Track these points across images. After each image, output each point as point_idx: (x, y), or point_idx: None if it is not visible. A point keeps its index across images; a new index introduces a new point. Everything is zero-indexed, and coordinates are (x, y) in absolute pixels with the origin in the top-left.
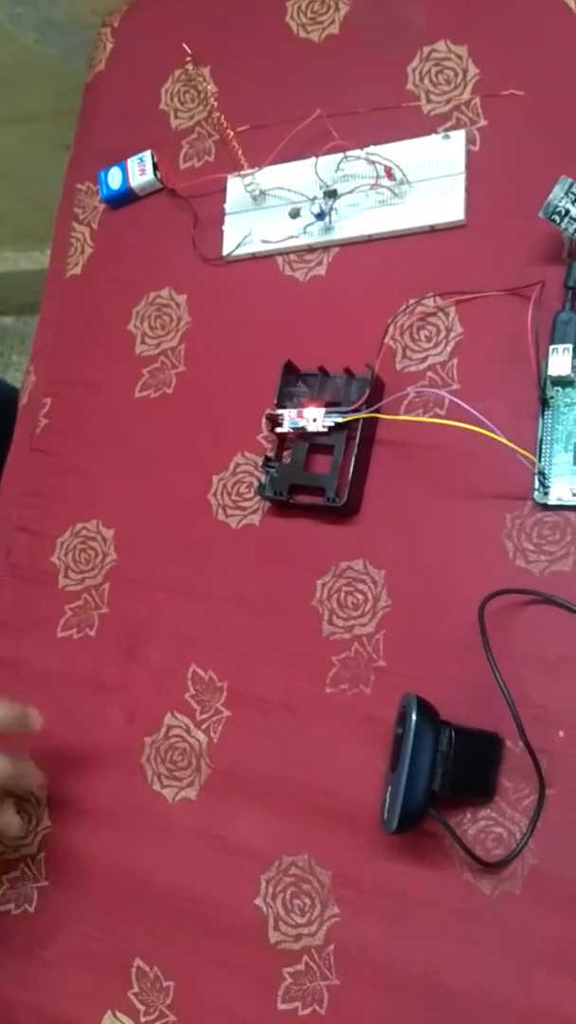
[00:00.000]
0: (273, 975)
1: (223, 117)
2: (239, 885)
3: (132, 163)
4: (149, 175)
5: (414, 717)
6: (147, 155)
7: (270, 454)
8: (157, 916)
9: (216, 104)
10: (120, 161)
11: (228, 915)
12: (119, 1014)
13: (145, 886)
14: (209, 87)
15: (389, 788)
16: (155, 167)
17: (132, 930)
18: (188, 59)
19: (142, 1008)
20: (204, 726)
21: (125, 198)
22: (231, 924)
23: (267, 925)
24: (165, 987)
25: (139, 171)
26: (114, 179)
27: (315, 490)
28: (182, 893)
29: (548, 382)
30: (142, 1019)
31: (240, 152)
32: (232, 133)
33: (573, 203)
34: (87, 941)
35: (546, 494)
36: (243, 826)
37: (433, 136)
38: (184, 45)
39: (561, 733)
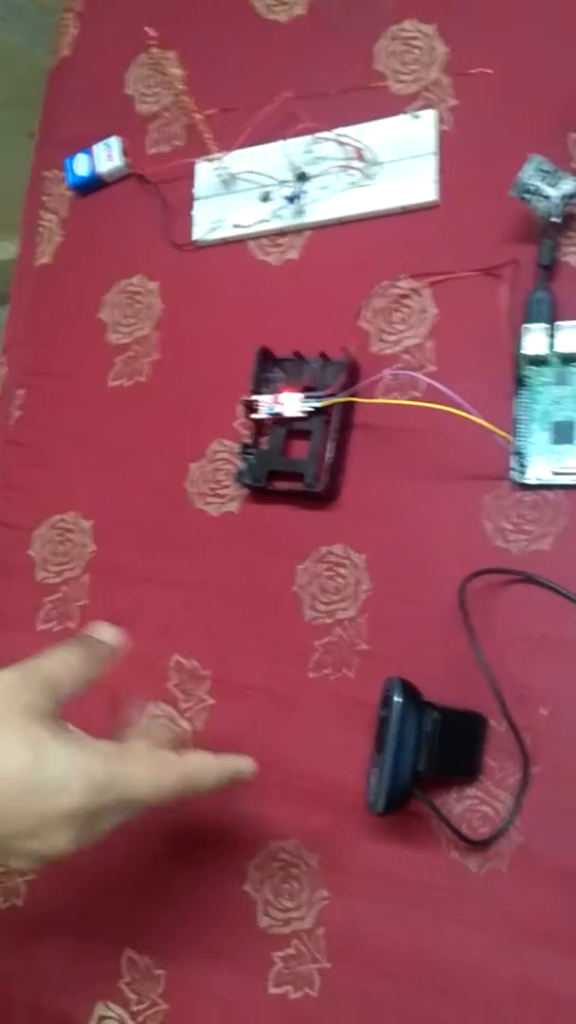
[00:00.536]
0: (263, 960)
1: (191, 101)
2: (228, 872)
3: (99, 149)
4: (117, 161)
5: (398, 699)
6: (114, 141)
7: (247, 441)
8: (147, 906)
9: (184, 88)
10: (87, 147)
11: (217, 902)
12: (111, 1004)
13: (133, 878)
14: (176, 71)
15: (375, 770)
16: (123, 152)
17: (122, 920)
18: (152, 43)
19: (134, 997)
20: (188, 715)
21: (93, 185)
22: (221, 911)
23: (256, 910)
24: (156, 976)
25: (106, 157)
26: (81, 166)
27: (294, 476)
28: (170, 884)
29: (524, 361)
30: (134, 1008)
31: (208, 136)
32: (200, 117)
33: (543, 181)
34: (78, 933)
35: (524, 473)
36: (230, 813)
37: (403, 116)
38: (148, 29)
39: (544, 711)
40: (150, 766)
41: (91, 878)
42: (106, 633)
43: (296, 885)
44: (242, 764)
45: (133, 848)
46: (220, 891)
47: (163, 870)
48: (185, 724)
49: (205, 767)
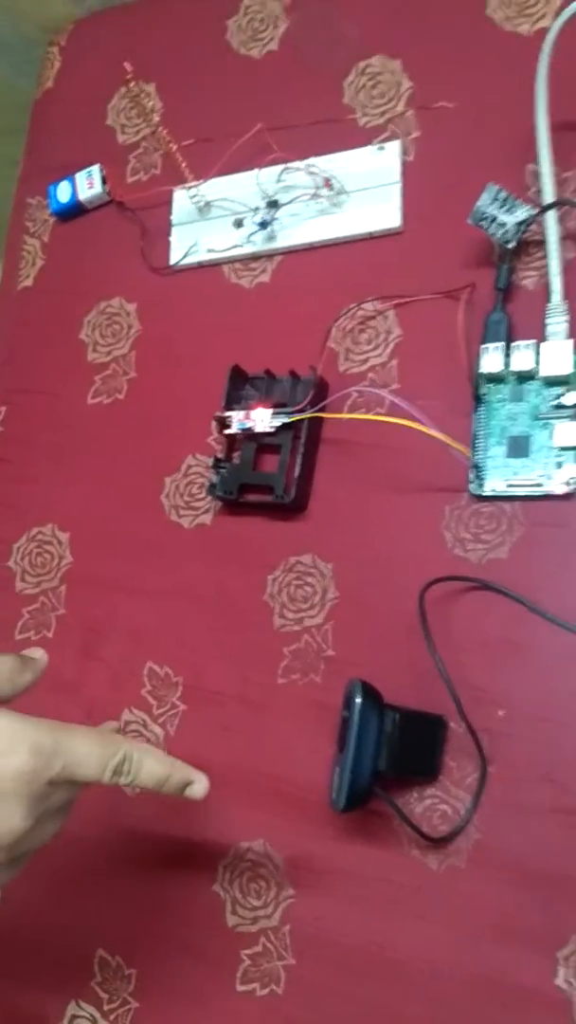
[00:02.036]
0: (232, 958)
1: (166, 132)
2: (197, 872)
3: (80, 177)
4: (97, 188)
5: (359, 700)
6: (95, 169)
7: (220, 455)
8: (119, 906)
9: (159, 120)
10: (69, 175)
11: (187, 902)
12: (83, 1003)
13: (105, 878)
14: (152, 104)
15: (337, 769)
16: (103, 180)
17: (94, 921)
18: (129, 77)
19: (105, 996)
20: (161, 720)
21: (74, 211)
22: (190, 911)
23: (224, 909)
24: (127, 975)
25: (87, 185)
26: (63, 193)
27: (264, 488)
28: (142, 882)
29: (481, 379)
30: (105, 1007)
31: (185, 165)
32: (176, 147)
33: (499, 209)
34: (50, 934)
35: (481, 486)
36: (200, 815)
37: (369, 147)
38: (125, 64)
39: (501, 712)
40: (96, 738)
41: (62, 880)
42: (36, 653)
43: (263, 884)
44: (194, 775)
45: (104, 849)
46: (190, 891)
47: (134, 870)
48: (158, 730)
49: (150, 752)
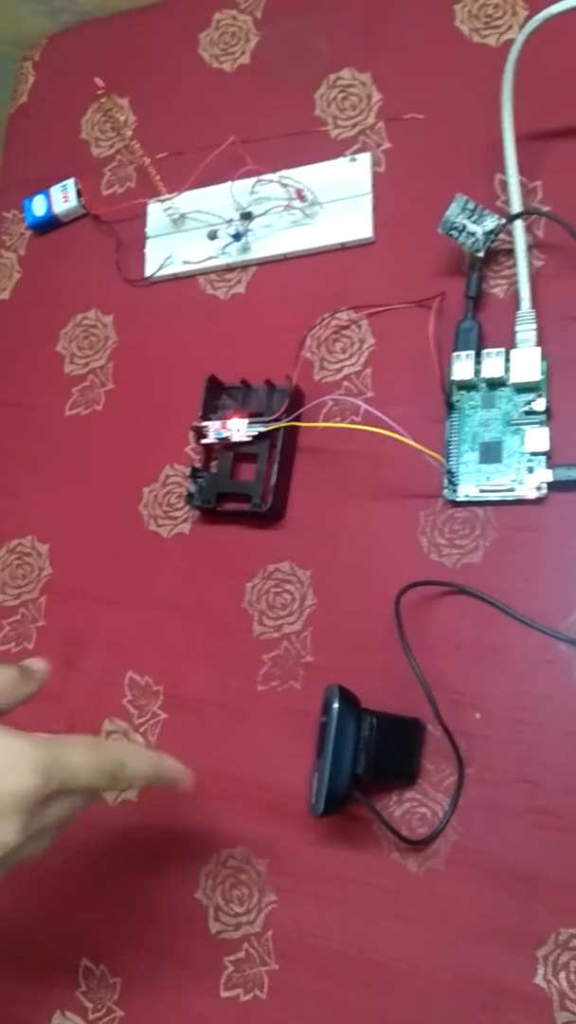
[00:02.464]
0: (215, 964)
1: (139, 146)
2: (180, 880)
3: (56, 191)
4: (73, 201)
5: (336, 705)
6: (70, 183)
7: (197, 465)
8: (102, 915)
9: (131, 134)
10: (44, 189)
11: (170, 910)
12: (68, 1013)
13: (89, 887)
14: (125, 118)
15: (315, 774)
16: (78, 194)
17: (78, 930)
18: (100, 92)
19: (90, 1006)
20: (142, 729)
21: (50, 224)
22: (174, 918)
23: (208, 916)
24: (112, 984)
25: (63, 198)
26: (39, 207)
27: (242, 497)
28: (125, 892)
29: (453, 387)
30: (90, 1016)
31: (158, 178)
32: (149, 161)
33: (468, 219)
34: (34, 944)
35: (455, 492)
36: (182, 823)
37: (341, 159)
38: (96, 80)
39: (477, 715)
40: (87, 748)
41: (47, 889)
42: (38, 664)
43: (245, 890)
44: (178, 767)
45: (87, 859)
46: (173, 899)
47: (117, 879)
48: (139, 739)
49: (139, 754)
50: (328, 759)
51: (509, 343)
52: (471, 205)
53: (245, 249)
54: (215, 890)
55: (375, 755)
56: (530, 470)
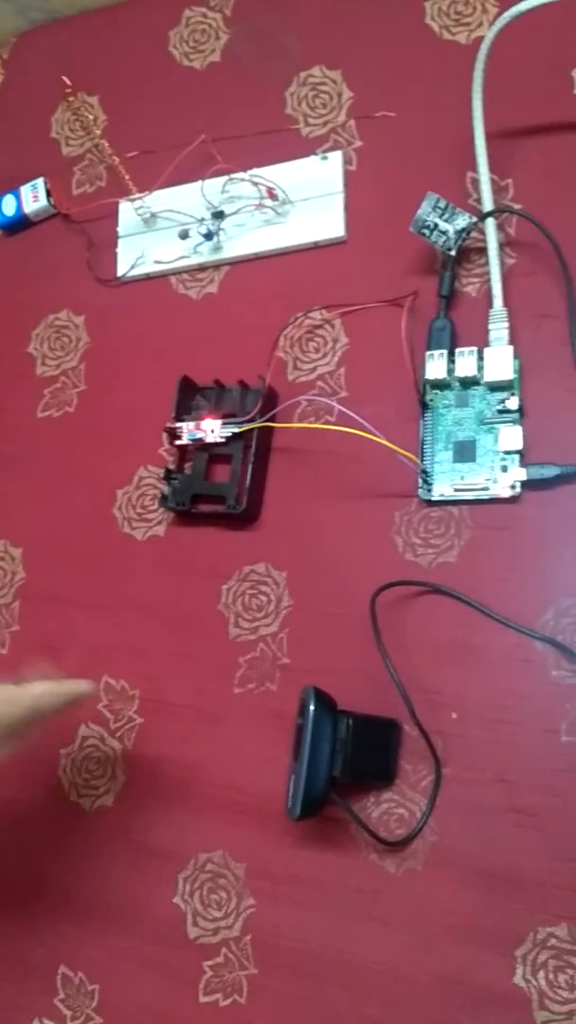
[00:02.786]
0: (194, 970)
1: (108, 145)
2: (158, 886)
3: (25, 190)
4: (43, 201)
5: (312, 707)
6: (40, 182)
7: (171, 466)
8: (80, 923)
9: (100, 133)
10: (14, 189)
11: (148, 916)
12: (47, 1021)
13: (67, 895)
14: (93, 116)
15: (292, 777)
16: (48, 193)
17: (56, 938)
18: (68, 91)
19: (68, 1013)
20: (118, 734)
21: (20, 224)
22: (152, 924)
23: (186, 921)
24: (90, 991)
25: (32, 198)
26: (8, 206)
27: (216, 498)
28: (104, 899)
29: (427, 386)
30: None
31: (128, 177)
32: (119, 160)
33: (440, 217)
34: (10, 952)
35: (429, 491)
36: (159, 828)
37: (312, 157)
38: (64, 78)
39: (454, 715)
40: (7, 704)
41: (22, 896)
42: (83, 686)
43: (224, 895)
44: (81, 687)
45: (64, 865)
46: (151, 904)
47: (94, 886)
48: (116, 744)
49: (49, 692)
50: (304, 762)
51: (482, 342)
52: (442, 203)
53: (217, 248)
54: (193, 895)
55: (352, 757)
56: (504, 469)
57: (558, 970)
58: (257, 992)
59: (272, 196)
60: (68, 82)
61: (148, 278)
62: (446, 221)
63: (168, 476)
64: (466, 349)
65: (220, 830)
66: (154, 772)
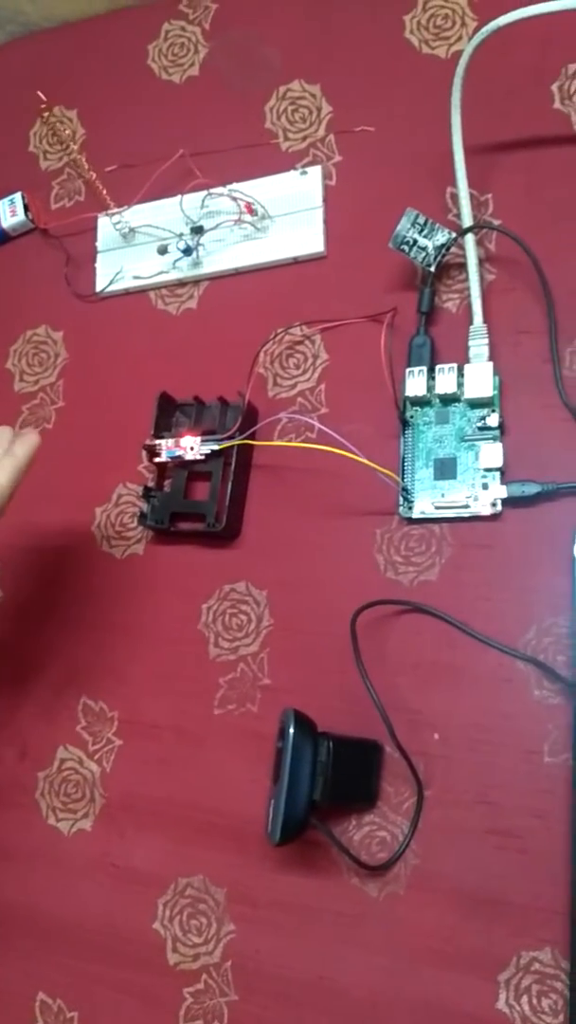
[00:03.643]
0: (174, 996)
1: (85, 159)
2: (137, 911)
3: (3, 205)
4: (20, 216)
5: (292, 730)
6: (17, 196)
7: (150, 484)
8: (58, 949)
9: (78, 147)
10: None
11: (127, 942)
12: None
13: (46, 919)
14: (69, 131)
15: (272, 801)
16: (26, 208)
17: (34, 964)
18: (43, 107)
19: None
20: (96, 756)
21: None
22: (131, 950)
23: (166, 947)
24: (69, 1018)
25: (10, 212)
26: None
27: (196, 516)
28: (82, 924)
29: (407, 403)
30: None
31: (105, 192)
32: (95, 175)
33: (419, 233)
34: None
35: (411, 509)
36: (139, 852)
37: (291, 172)
38: (39, 93)
39: (436, 735)
40: None
41: (2, 923)
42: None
43: (204, 920)
44: (29, 442)
45: (40, 889)
46: (130, 930)
47: (71, 911)
48: (94, 767)
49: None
50: (284, 786)
51: (462, 358)
52: (422, 219)
53: (196, 264)
54: (173, 920)
55: (332, 780)
56: (485, 486)
57: (542, 995)
58: (238, 1019)
59: (251, 211)
60: (43, 97)
61: (127, 293)
62: (425, 237)
63: (147, 494)
64: (446, 366)
65: (200, 854)
66: (134, 795)
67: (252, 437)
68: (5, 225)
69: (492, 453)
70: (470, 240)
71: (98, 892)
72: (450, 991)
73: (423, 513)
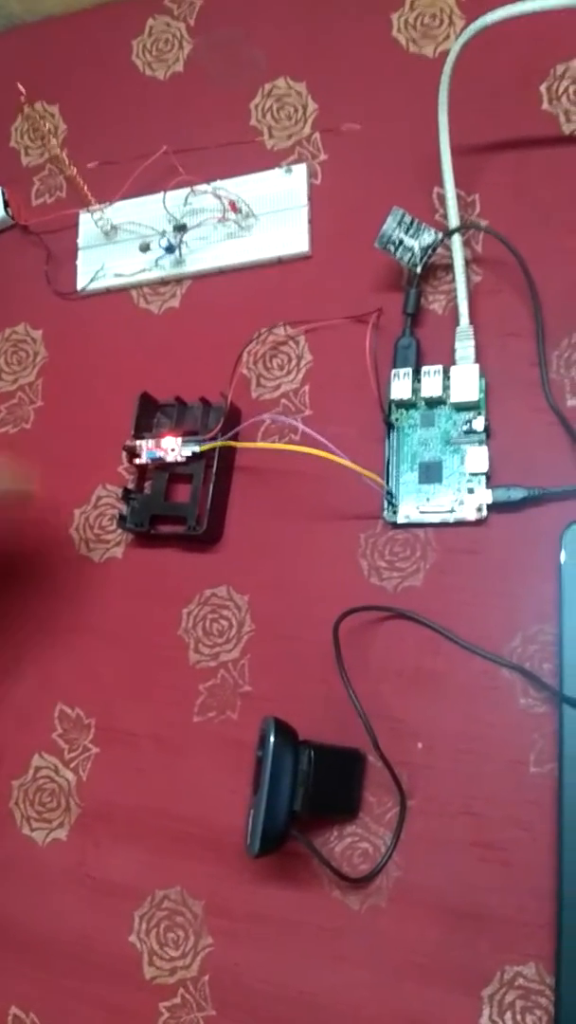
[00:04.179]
0: (150, 1012)
1: (66, 155)
2: (113, 924)
3: None
4: (0, 212)
5: (272, 739)
6: None
7: (131, 485)
8: (32, 962)
9: (59, 143)
10: None
11: (102, 955)
12: None
13: (19, 931)
14: (52, 126)
15: (251, 812)
16: (6, 204)
17: (6, 978)
18: (23, 100)
19: None
20: (73, 764)
21: None
22: (106, 964)
23: (142, 961)
24: None
25: None
26: None
27: (177, 519)
28: (56, 936)
29: (392, 405)
30: None
31: (86, 188)
32: (76, 171)
33: (405, 233)
34: None
35: (395, 513)
36: (115, 863)
37: (276, 170)
38: (19, 86)
39: (420, 744)
40: None
41: None
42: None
43: (181, 933)
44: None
45: (13, 900)
46: (105, 944)
47: (45, 925)
48: (70, 775)
49: None
50: (264, 796)
51: (448, 360)
52: (408, 219)
53: (179, 262)
54: (149, 933)
55: (313, 790)
56: (471, 491)
57: (526, 1011)
58: None
59: (235, 209)
60: (23, 90)
61: (108, 292)
62: (412, 237)
63: (127, 496)
64: (432, 368)
65: (178, 865)
66: (110, 804)
67: (235, 439)
68: None
69: (478, 457)
70: (457, 241)
71: (73, 904)
72: (433, 1006)
73: (408, 518)
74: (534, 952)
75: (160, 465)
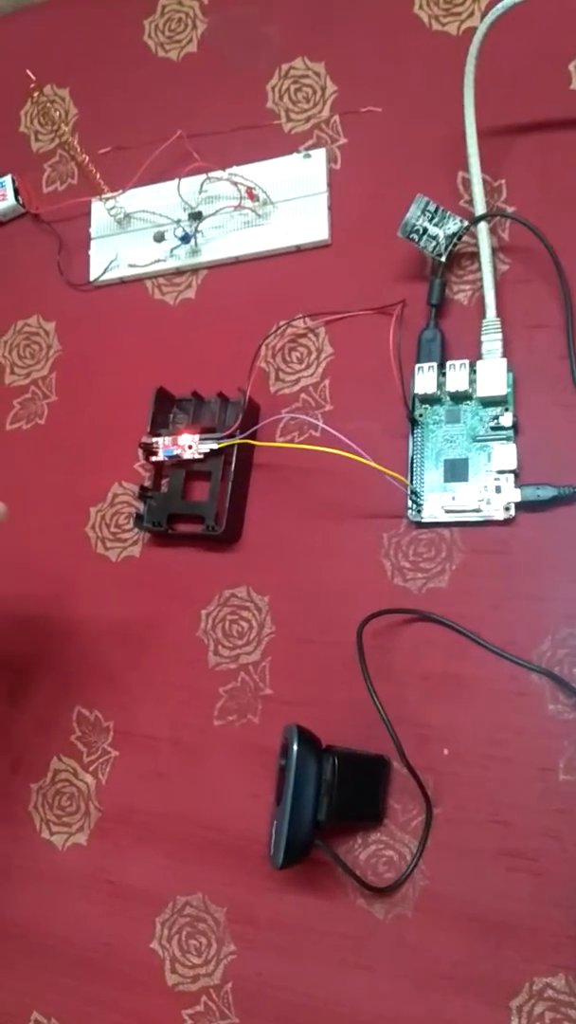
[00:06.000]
0: (173, 1018)
1: (76, 141)
2: (134, 930)
3: None
4: (10, 200)
5: (295, 748)
6: (7, 179)
7: (147, 483)
8: (53, 967)
9: (70, 128)
10: None
11: (124, 961)
12: None
13: (40, 937)
14: (59, 112)
15: (274, 823)
16: (16, 192)
17: (28, 983)
18: (33, 87)
19: None
20: (92, 768)
21: None
22: (128, 970)
23: (164, 968)
24: None
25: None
26: None
27: (195, 518)
28: (77, 942)
29: (416, 400)
30: None
31: (98, 176)
32: (88, 158)
33: (429, 221)
34: None
35: (419, 512)
36: (136, 868)
37: (295, 155)
38: (28, 72)
39: (446, 751)
40: None
41: None
42: None
43: (203, 940)
44: None
45: (35, 908)
46: (128, 949)
47: (67, 929)
48: (89, 779)
49: None
50: (287, 807)
51: (474, 353)
52: (432, 206)
53: (195, 251)
54: (171, 940)
55: (338, 798)
56: (498, 489)
57: (555, 1023)
58: None
59: (252, 196)
60: (32, 76)
61: (122, 282)
62: (436, 225)
63: (143, 494)
64: (457, 362)
65: (199, 871)
66: (130, 808)
67: (253, 436)
68: None
69: (506, 454)
70: (483, 228)
71: (93, 909)
72: (460, 1018)
73: (432, 517)
74: (564, 963)
75: (177, 462)
